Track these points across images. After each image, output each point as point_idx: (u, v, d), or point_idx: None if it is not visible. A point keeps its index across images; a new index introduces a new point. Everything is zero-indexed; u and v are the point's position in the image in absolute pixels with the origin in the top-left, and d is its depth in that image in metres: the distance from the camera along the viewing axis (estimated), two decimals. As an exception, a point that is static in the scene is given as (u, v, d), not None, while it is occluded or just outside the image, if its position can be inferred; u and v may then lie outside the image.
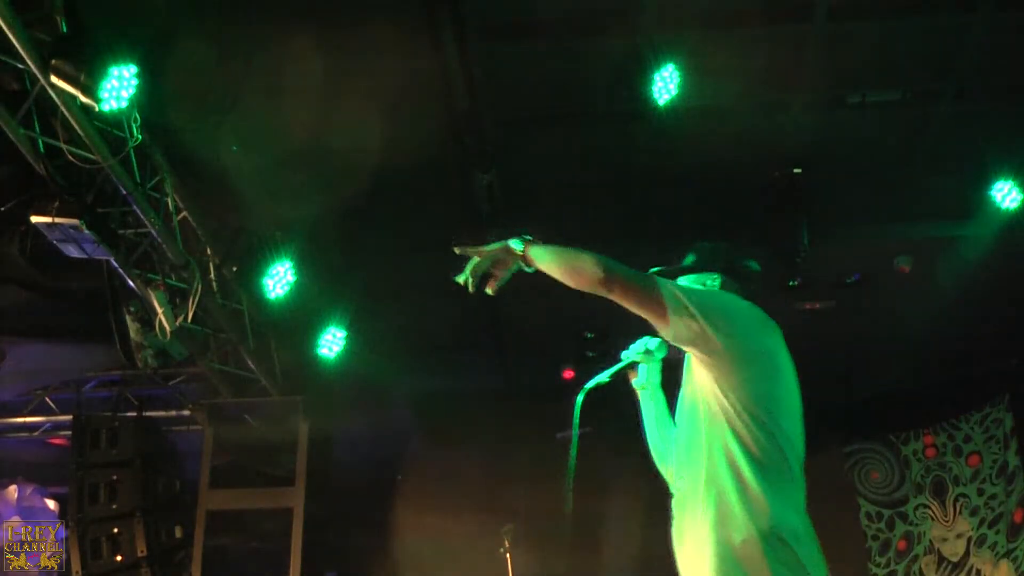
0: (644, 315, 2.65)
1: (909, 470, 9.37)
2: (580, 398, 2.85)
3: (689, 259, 3.05)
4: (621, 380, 3.01)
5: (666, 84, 5.67)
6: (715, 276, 2.97)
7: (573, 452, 2.81)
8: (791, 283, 7.26)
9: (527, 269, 2.75)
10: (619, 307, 2.86)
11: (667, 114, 5.81)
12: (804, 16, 5.79)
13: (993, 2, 5.72)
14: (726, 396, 2.64)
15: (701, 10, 5.66)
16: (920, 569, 8.99)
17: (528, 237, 2.76)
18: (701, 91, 5.88)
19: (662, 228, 7.14)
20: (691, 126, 6.17)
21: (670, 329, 2.62)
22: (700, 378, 2.73)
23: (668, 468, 3.00)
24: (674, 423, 2.99)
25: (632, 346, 3.04)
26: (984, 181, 6.68)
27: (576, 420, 2.83)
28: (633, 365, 3.01)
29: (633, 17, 5.58)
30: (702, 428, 2.69)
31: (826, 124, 6.53)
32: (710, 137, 6.33)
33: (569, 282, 2.67)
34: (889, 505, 9.41)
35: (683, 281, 2.97)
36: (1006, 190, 6.63)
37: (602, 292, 2.64)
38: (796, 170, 6.65)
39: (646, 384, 3.06)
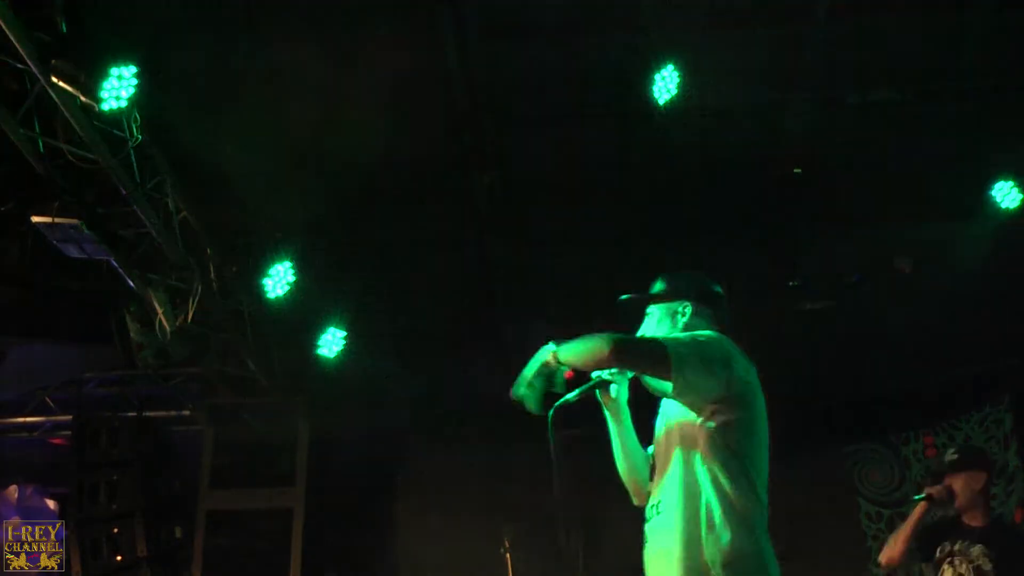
0: (654, 376, 2.75)
1: (909, 470, 9.37)
2: (551, 415, 2.88)
3: (659, 287, 3.14)
4: (589, 397, 3.02)
5: (666, 84, 5.67)
6: (686, 304, 3.06)
7: (557, 468, 2.84)
8: (791, 283, 7.25)
9: (564, 368, 2.87)
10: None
11: (667, 114, 5.81)
12: (804, 16, 5.79)
13: (993, 2, 5.72)
14: (708, 431, 2.73)
15: (701, 10, 5.66)
16: (920, 569, 8.98)
17: (552, 345, 2.88)
18: (701, 91, 5.88)
19: (662, 228, 7.15)
20: (691, 126, 6.17)
21: (676, 386, 2.68)
22: (681, 412, 2.80)
23: (633, 480, 3.07)
24: (636, 438, 3.08)
25: None
26: (984, 181, 6.68)
27: (552, 437, 2.87)
28: (604, 383, 3.02)
29: (633, 17, 5.58)
30: (679, 457, 2.77)
31: (826, 124, 6.53)
32: (710, 137, 6.33)
33: (593, 367, 2.85)
34: (889, 505, 9.40)
35: (655, 311, 3.08)
36: (1006, 190, 6.63)
37: (617, 366, 2.84)
38: (796, 170, 6.65)
39: (614, 401, 3.08)
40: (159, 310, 5.92)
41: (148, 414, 8.24)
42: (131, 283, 5.94)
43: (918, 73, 6.30)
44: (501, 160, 6.25)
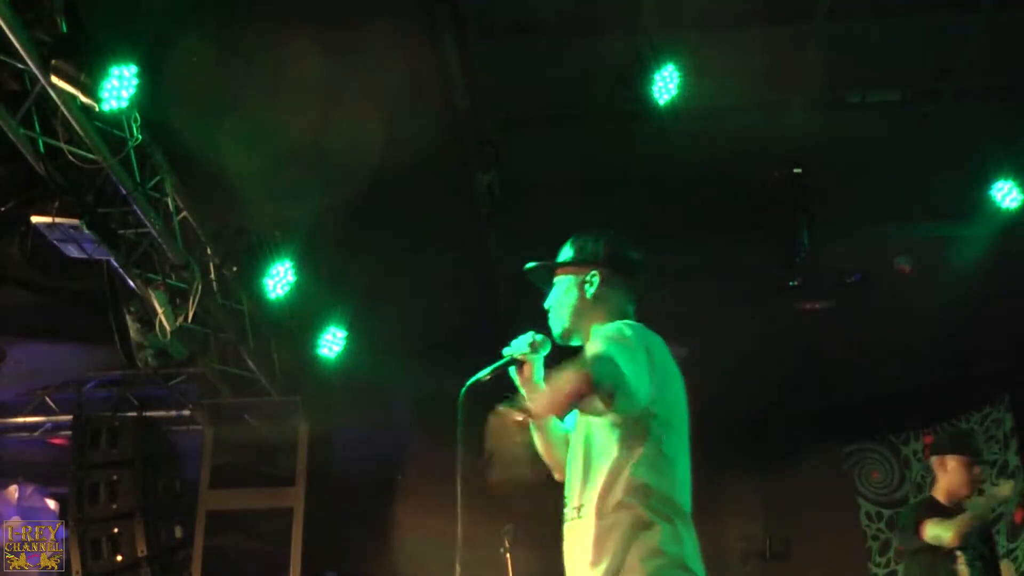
0: (596, 409, 2.56)
1: (909, 470, 9.37)
2: (462, 394, 2.73)
3: (565, 254, 2.93)
4: (506, 377, 2.85)
5: (666, 84, 5.67)
6: (594, 272, 2.85)
7: (459, 451, 2.70)
8: (791, 283, 7.26)
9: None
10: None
11: (667, 114, 5.81)
12: (804, 16, 5.79)
13: (993, 2, 5.72)
14: (626, 430, 2.61)
15: (701, 10, 5.66)
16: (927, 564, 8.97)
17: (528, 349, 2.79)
18: (701, 91, 5.88)
19: (662, 228, 7.15)
20: (691, 126, 6.18)
21: (619, 407, 2.53)
22: (598, 418, 2.66)
23: (552, 457, 2.93)
24: (558, 421, 2.92)
25: (514, 342, 2.86)
26: (984, 181, 6.68)
27: (460, 416, 2.72)
28: (517, 362, 2.83)
29: (633, 17, 5.58)
30: (597, 457, 2.65)
31: (826, 124, 6.54)
32: (710, 137, 6.33)
33: (552, 413, 2.67)
34: (889, 505, 9.41)
35: (563, 281, 2.89)
36: (1006, 190, 6.63)
37: (558, 412, 2.63)
38: (796, 170, 6.65)
39: (528, 380, 2.85)
40: (159, 310, 5.92)
41: (148, 414, 8.24)
42: (131, 283, 5.94)
43: (918, 73, 6.30)
44: (501, 160, 6.25)
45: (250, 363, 7.26)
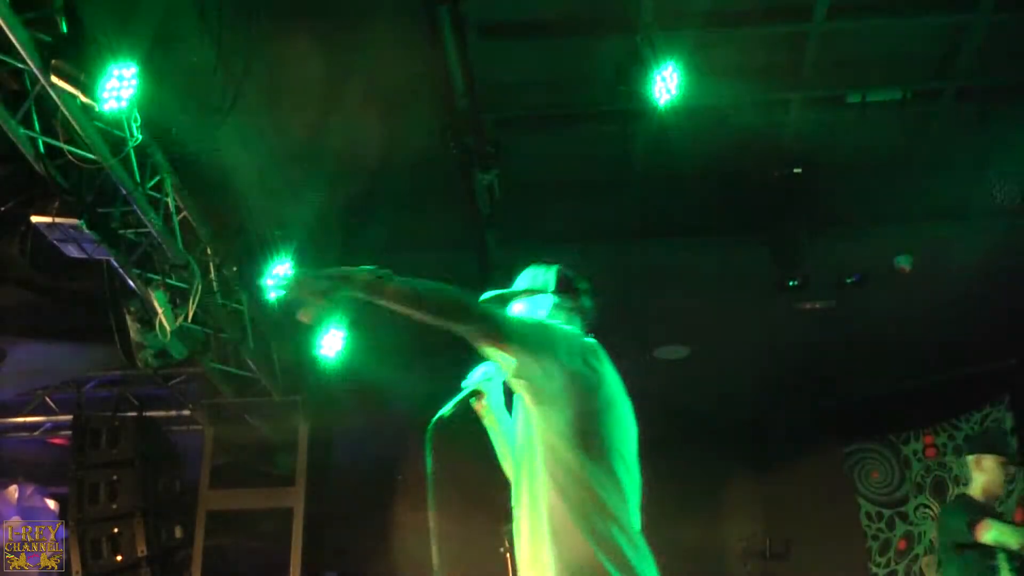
0: (488, 343, 2.58)
1: (909, 470, 9.37)
2: (429, 432, 2.85)
3: (519, 283, 3.06)
4: (467, 410, 2.98)
5: (666, 84, 5.67)
6: (545, 298, 2.98)
7: (430, 485, 2.83)
8: (791, 283, 7.26)
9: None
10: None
11: (667, 114, 5.80)
12: (804, 15, 5.79)
13: (993, 2, 5.72)
14: (552, 433, 2.64)
15: (701, 10, 5.66)
16: (920, 569, 8.98)
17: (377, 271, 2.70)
18: (701, 91, 5.88)
19: (662, 228, 7.15)
20: (691, 126, 6.17)
21: (514, 360, 2.57)
22: (527, 414, 2.73)
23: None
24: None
25: (471, 375, 2.99)
26: (984, 181, 6.68)
27: (428, 453, 2.85)
28: (477, 394, 2.98)
29: (633, 16, 5.58)
30: (529, 461, 2.71)
31: (826, 124, 6.54)
32: (710, 137, 6.33)
33: (406, 314, 2.64)
34: (889, 505, 9.40)
35: (519, 305, 2.99)
36: (1005, 190, 6.63)
37: (430, 319, 2.56)
38: (796, 170, 6.65)
39: (488, 409, 3.03)
40: (159, 310, 5.92)
41: (148, 414, 8.25)
42: (131, 283, 5.94)
43: (918, 73, 6.30)
44: (501, 160, 6.25)
45: (250, 363, 7.27)
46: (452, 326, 2.55)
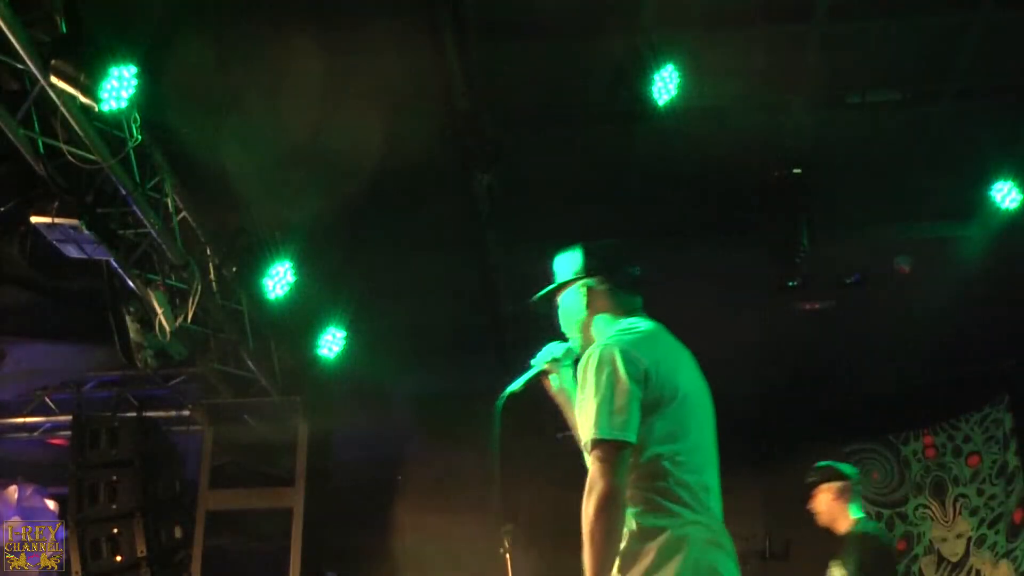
0: None
1: (909, 470, 9.37)
2: (499, 405, 2.88)
3: (557, 274, 3.01)
4: (539, 389, 3.01)
5: (666, 84, 5.67)
6: (580, 285, 2.94)
7: (495, 461, 2.87)
8: (791, 283, 7.26)
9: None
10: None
11: (667, 114, 5.81)
12: (804, 16, 5.79)
13: (993, 2, 5.72)
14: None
15: (701, 10, 5.66)
16: (920, 569, 8.99)
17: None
18: (701, 91, 5.88)
19: (662, 228, 7.15)
20: (691, 126, 6.17)
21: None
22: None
23: None
24: None
25: (539, 355, 3.03)
26: (984, 181, 6.68)
27: (496, 427, 2.86)
28: (544, 373, 3.00)
29: (633, 17, 5.58)
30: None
31: (826, 124, 6.54)
32: (710, 137, 6.33)
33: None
34: (889, 505, 9.41)
35: (563, 300, 2.99)
36: (1006, 190, 6.63)
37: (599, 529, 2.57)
38: (796, 170, 6.65)
39: (561, 388, 3.03)
40: (159, 310, 5.92)
41: (148, 414, 8.25)
42: (131, 283, 5.94)
43: (918, 73, 6.30)
44: (501, 160, 6.25)
45: (250, 363, 7.27)
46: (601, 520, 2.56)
